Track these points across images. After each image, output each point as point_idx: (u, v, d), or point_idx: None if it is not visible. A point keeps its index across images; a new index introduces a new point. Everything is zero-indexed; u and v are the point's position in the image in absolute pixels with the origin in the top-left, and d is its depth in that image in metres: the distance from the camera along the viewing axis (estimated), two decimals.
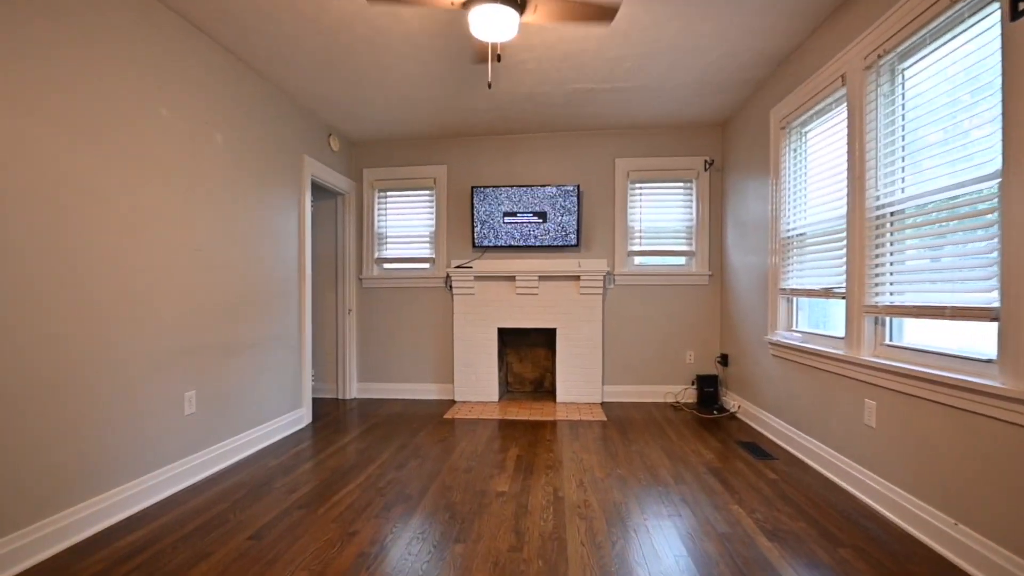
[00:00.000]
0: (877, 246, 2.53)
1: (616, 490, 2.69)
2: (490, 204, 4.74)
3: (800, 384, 3.20)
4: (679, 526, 2.27)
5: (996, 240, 1.85)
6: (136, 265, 2.49)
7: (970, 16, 1.99)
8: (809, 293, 3.12)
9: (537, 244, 4.73)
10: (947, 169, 2.12)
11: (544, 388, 5.24)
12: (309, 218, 4.07)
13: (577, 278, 4.71)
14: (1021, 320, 1.71)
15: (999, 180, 1.82)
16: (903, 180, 2.41)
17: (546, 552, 2.05)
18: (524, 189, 4.70)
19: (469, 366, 4.83)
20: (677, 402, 4.71)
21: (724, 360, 4.56)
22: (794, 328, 3.43)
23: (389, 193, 5.09)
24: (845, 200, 2.74)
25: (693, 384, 4.76)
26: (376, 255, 5.08)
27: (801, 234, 3.30)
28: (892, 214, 2.45)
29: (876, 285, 2.53)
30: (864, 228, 2.58)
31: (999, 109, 1.82)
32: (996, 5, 1.87)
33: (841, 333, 2.84)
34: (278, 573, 1.90)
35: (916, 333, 2.46)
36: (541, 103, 4.04)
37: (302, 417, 4.01)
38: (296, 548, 2.08)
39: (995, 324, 1.83)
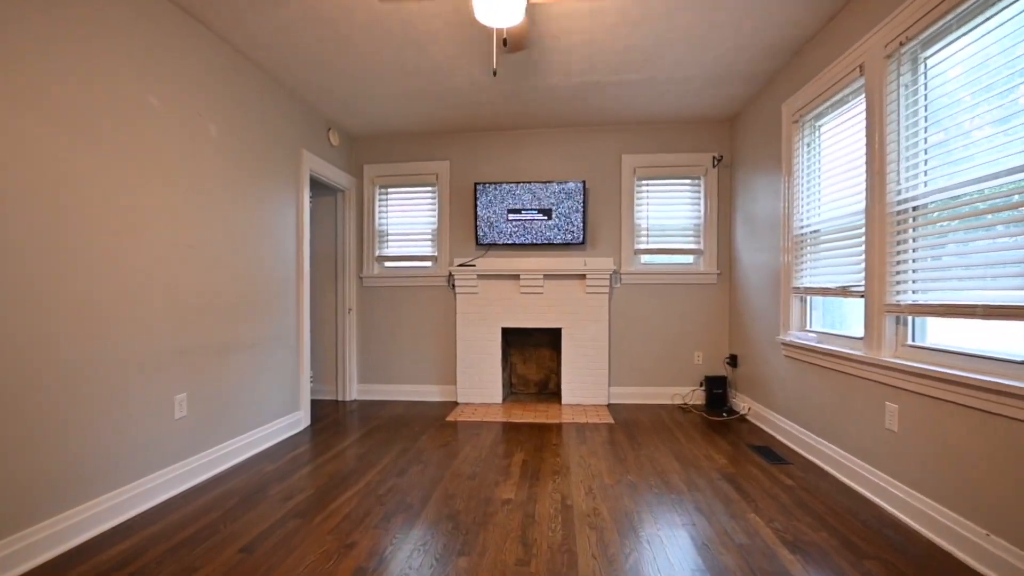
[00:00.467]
0: (899, 242, 2.42)
1: (627, 497, 2.58)
2: (494, 201, 4.63)
3: (815, 386, 3.08)
4: (695, 537, 2.16)
5: None
6: (123, 262, 2.38)
7: None
8: (824, 292, 3.01)
9: (542, 242, 4.62)
10: (978, 160, 2.01)
11: (549, 390, 5.13)
12: (307, 214, 3.97)
13: (583, 277, 4.60)
14: None
15: None
16: (926, 174, 2.30)
17: (555, 566, 1.94)
18: (529, 186, 4.59)
19: (472, 367, 4.72)
20: (685, 404, 4.60)
21: (733, 361, 4.44)
22: (808, 328, 3.31)
23: (390, 189, 4.98)
24: (864, 195, 2.63)
25: (701, 385, 4.65)
26: (377, 253, 4.97)
27: (815, 231, 3.19)
28: (915, 209, 2.34)
29: (898, 283, 2.42)
30: (885, 224, 2.47)
31: None
32: None
33: (859, 333, 2.73)
34: None
35: (939, 333, 2.35)
36: (547, 96, 3.93)
37: (300, 420, 3.90)
38: (290, 562, 1.97)
39: None
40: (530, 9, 2.73)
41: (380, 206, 4.98)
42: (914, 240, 2.34)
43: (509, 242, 4.66)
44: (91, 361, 2.21)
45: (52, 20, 2.05)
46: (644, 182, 4.68)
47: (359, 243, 4.95)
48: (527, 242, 4.64)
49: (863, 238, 2.64)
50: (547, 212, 4.59)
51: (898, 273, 2.42)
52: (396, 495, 2.63)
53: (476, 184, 4.64)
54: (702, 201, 4.63)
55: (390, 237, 4.99)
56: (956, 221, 2.11)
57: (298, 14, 2.80)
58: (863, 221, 2.64)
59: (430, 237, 4.93)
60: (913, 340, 2.39)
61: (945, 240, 2.17)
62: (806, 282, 3.26)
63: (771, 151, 3.71)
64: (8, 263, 1.89)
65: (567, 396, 4.64)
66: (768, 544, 2.09)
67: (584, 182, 4.55)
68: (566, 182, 4.55)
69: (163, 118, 2.61)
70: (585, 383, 4.63)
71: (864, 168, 2.62)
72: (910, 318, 2.39)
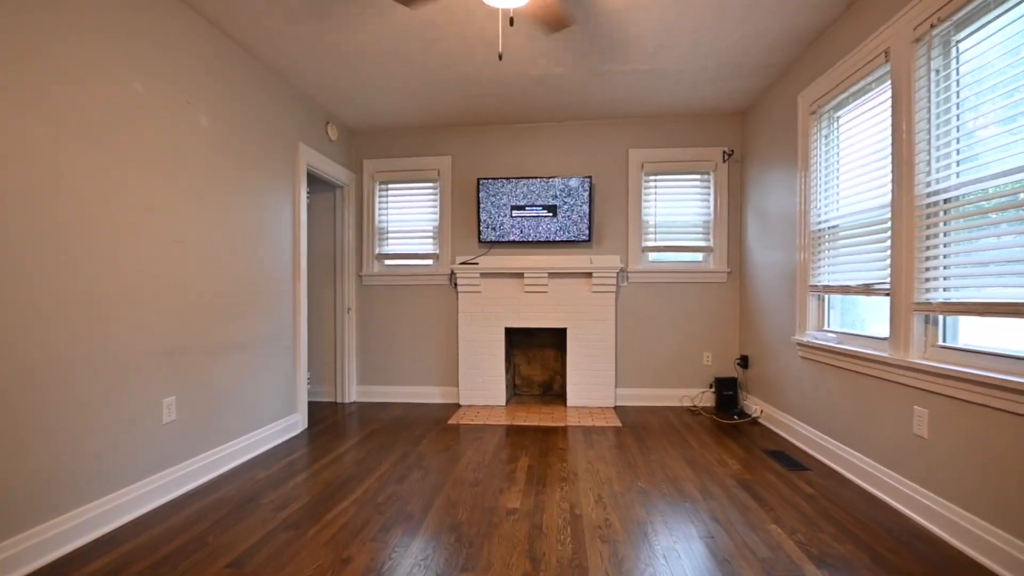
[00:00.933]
0: (928, 237, 2.28)
1: (639, 506, 2.44)
2: (497, 197, 4.50)
3: (835, 389, 2.94)
4: (714, 550, 2.02)
5: None
6: (105, 259, 2.25)
7: None
8: (845, 290, 2.87)
9: (547, 239, 4.48)
10: (1019, 148, 1.87)
11: (553, 391, 4.99)
12: (304, 210, 3.83)
13: (589, 275, 4.46)
14: None
15: None
16: (958, 164, 2.17)
17: None
18: (533, 181, 4.45)
19: (475, 368, 4.59)
20: (694, 406, 4.46)
21: (744, 362, 4.30)
22: (826, 328, 3.17)
23: (390, 185, 4.84)
24: (889, 188, 2.49)
25: (711, 387, 4.51)
26: (377, 251, 4.84)
27: (833, 227, 3.05)
28: (946, 201, 2.20)
29: (927, 280, 2.28)
30: (913, 218, 2.33)
31: None
32: None
33: (884, 333, 2.59)
34: None
35: (972, 334, 2.21)
36: (553, 87, 3.79)
37: (297, 423, 3.77)
38: None
39: None
40: None
41: (380, 202, 4.85)
42: (945, 235, 2.20)
43: (513, 239, 4.52)
44: (71, 363, 2.08)
45: None
46: (652, 177, 4.54)
47: (358, 240, 4.82)
48: (531, 239, 4.50)
49: (888, 233, 2.50)
50: (552, 209, 4.45)
51: (928, 270, 2.28)
52: (395, 504, 2.49)
53: (479, 180, 4.50)
54: (712, 197, 4.49)
55: (390, 234, 4.85)
56: (994, 214, 1.97)
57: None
58: (888, 215, 2.50)
59: (431, 234, 4.80)
60: (944, 341, 2.25)
61: (981, 234, 2.03)
62: (824, 280, 3.11)
63: (785, 144, 3.56)
64: None
65: (572, 398, 4.51)
66: (792, 559, 1.95)
67: (590, 178, 4.41)
68: (572, 178, 4.41)
69: (147, 105, 2.47)
70: (591, 385, 4.49)
71: (890, 159, 2.48)
72: (941, 317, 2.25)
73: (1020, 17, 1.88)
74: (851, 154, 2.89)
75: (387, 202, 4.85)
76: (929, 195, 2.26)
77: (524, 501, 2.51)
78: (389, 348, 4.81)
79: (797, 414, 3.39)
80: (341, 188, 4.70)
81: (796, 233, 3.38)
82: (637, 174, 4.51)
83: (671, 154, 4.48)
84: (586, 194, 4.40)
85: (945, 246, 2.20)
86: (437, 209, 4.76)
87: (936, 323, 2.27)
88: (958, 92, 2.17)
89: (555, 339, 4.92)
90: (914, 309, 2.32)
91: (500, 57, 2.30)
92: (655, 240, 4.55)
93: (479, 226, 4.54)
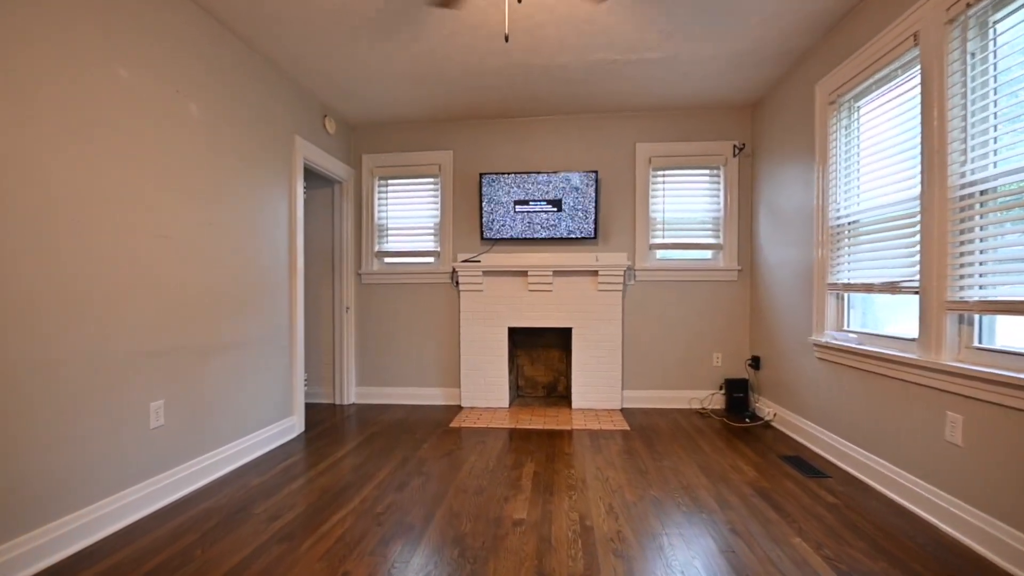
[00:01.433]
0: (963, 231, 2.14)
1: (653, 517, 2.31)
2: (500, 192, 4.36)
3: (856, 392, 2.80)
4: (736, 566, 1.88)
5: None
6: (83, 252, 2.11)
7: None
8: (868, 288, 2.73)
9: (551, 236, 4.34)
10: None
11: (558, 392, 4.85)
12: (301, 206, 3.70)
13: (595, 273, 4.32)
14: None
15: None
16: (995, 153, 2.03)
17: None
18: (537, 176, 4.32)
19: (477, 369, 4.45)
20: (704, 408, 4.32)
21: (756, 363, 4.16)
22: (845, 328, 3.03)
23: (390, 181, 4.70)
24: (918, 179, 2.35)
25: (721, 389, 4.37)
26: (376, 248, 4.70)
27: (853, 222, 2.91)
28: (982, 193, 2.06)
29: (961, 277, 2.14)
30: (945, 211, 2.19)
31: None
32: None
33: (911, 334, 2.45)
34: None
35: (1009, 335, 2.07)
36: (558, 78, 3.65)
37: (293, 426, 3.63)
38: None
39: None
40: None
41: (379, 199, 4.71)
42: (981, 228, 2.07)
43: (516, 236, 4.39)
44: (48, 365, 1.94)
45: None
46: (660, 172, 4.40)
47: (357, 238, 4.68)
48: (535, 236, 4.36)
49: (917, 228, 2.36)
50: (557, 204, 4.31)
51: (962, 266, 2.13)
52: (395, 514, 2.36)
53: (481, 175, 4.36)
54: (722, 193, 4.35)
55: (390, 231, 4.71)
56: None
57: None
58: (917, 208, 2.36)
59: (432, 231, 4.66)
60: (980, 342, 2.11)
61: (1022, 227, 1.89)
62: (844, 278, 2.97)
63: (801, 137, 3.42)
64: None
65: (578, 400, 4.37)
66: None
67: (596, 172, 4.27)
68: (577, 172, 4.27)
69: (133, 92, 2.33)
70: (597, 386, 4.35)
71: (919, 150, 2.34)
72: (977, 316, 2.11)
73: None
74: (873, 145, 2.75)
75: (387, 198, 4.71)
76: (963, 186, 2.12)
77: (531, 511, 2.37)
78: (389, 348, 4.67)
79: (814, 418, 3.25)
80: (339, 184, 4.56)
81: (813, 229, 3.24)
82: (644, 169, 4.37)
83: (679, 148, 4.34)
84: (592, 189, 4.26)
85: (981, 240, 2.06)
86: (438, 205, 4.63)
87: (971, 323, 2.13)
88: (995, 76, 2.03)
89: (559, 339, 4.78)
90: (947, 308, 2.18)
91: (506, 39, 2.15)
92: (663, 237, 4.41)
93: (481, 223, 4.40)
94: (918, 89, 2.36)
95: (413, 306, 4.63)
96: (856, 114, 2.93)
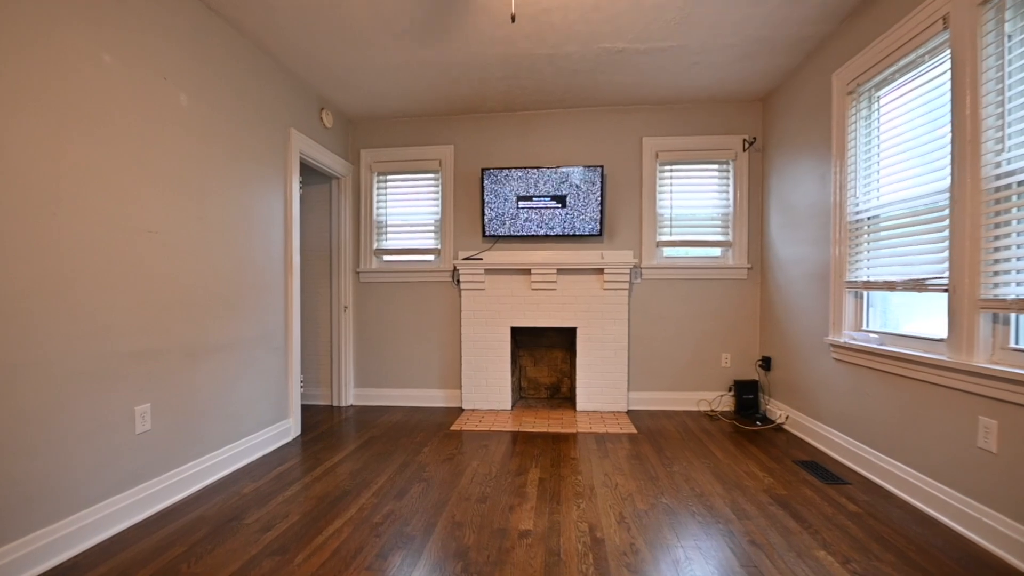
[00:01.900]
0: (998, 225, 2.01)
1: (667, 528, 2.18)
2: (502, 188, 4.23)
3: (878, 395, 2.68)
4: None
5: None
6: (60, 246, 1.98)
7: None
8: (890, 286, 2.60)
9: (555, 233, 4.21)
10: None
11: (561, 394, 4.72)
12: (297, 201, 3.57)
13: (600, 271, 4.19)
14: None
15: None
16: None
17: None
18: (541, 171, 4.19)
19: (479, 370, 4.32)
20: (712, 410, 4.19)
21: (766, 364, 4.04)
22: (864, 328, 2.91)
23: (389, 177, 4.58)
24: (947, 171, 2.22)
25: (730, 390, 4.24)
26: (375, 246, 4.57)
27: (873, 217, 2.78)
28: (1020, 184, 1.93)
29: (996, 274, 2.01)
30: (979, 203, 2.06)
31: None
32: None
33: (938, 333, 2.32)
34: None
35: None
36: (563, 68, 3.52)
37: (289, 429, 3.50)
38: None
39: None
40: None
41: (378, 195, 4.58)
42: (1020, 221, 1.94)
43: (519, 233, 4.26)
44: (22, 367, 1.81)
45: None
46: (667, 167, 4.28)
47: (356, 235, 4.55)
48: (539, 233, 4.24)
49: (946, 222, 2.23)
50: (561, 200, 4.18)
51: (997, 262, 2.01)
52: (394, 524, 2.23)
53: (483, 170, 4.23)
54: (731, 188, 4.22)
55: (389, 228, 4.58)
56: None
57: None
58: (946, 201, 2.23)
59: (433, 228, 4.53)
60: (1017, 343, 1.98)
61: None
62: (863, 276, 2.85)
63: (815, 129, 3.30)
64: None
65: (582, 402, 4.24)
66: None
67: (602, 167, 4.14)
68: (582, 167, 4.14)
69: (117, 78, 2.20)
70: (602, 388, 4.23)
71: (948, 139, 2.21)
72: (1014, 316, 1.99)
73: None
74: (895, 137, 2.62)
75: (386, 194, 4.58)
76: (999, 177, 1.99)
77: (538, 521, 2.25)
78: (388, 349, 4.54)
79: (830, 421, 3.13)
80: (337, 179, 4.43)
81: (830, 225, 3.11)
82: (652, 163, 4.24)
83: (688, 142, 4.21)
84: (597, 185, 4.14)
85: (1019, 235, 1.93)
86: (439, 201, 4.50)
87: (1007, 322, 2.00)
88: None
89: (563, 339, 4.65)
90: (980, 307, 2.05)
91: (513, 19, 2.03)
92: (670, 234, 4.28)
93: (483, 219, 4.27)
94: (947, 75, 2.23)
95: (413, 305, 4.50)
96: (876, 104, 2.80)
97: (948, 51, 2.22)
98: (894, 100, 2.65)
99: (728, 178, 4.23)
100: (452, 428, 3.76)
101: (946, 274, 2.22)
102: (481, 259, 4.24)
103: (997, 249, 2.01)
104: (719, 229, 4.25)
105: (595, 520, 2.25)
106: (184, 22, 2.57)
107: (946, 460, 2.22)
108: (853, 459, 2.86)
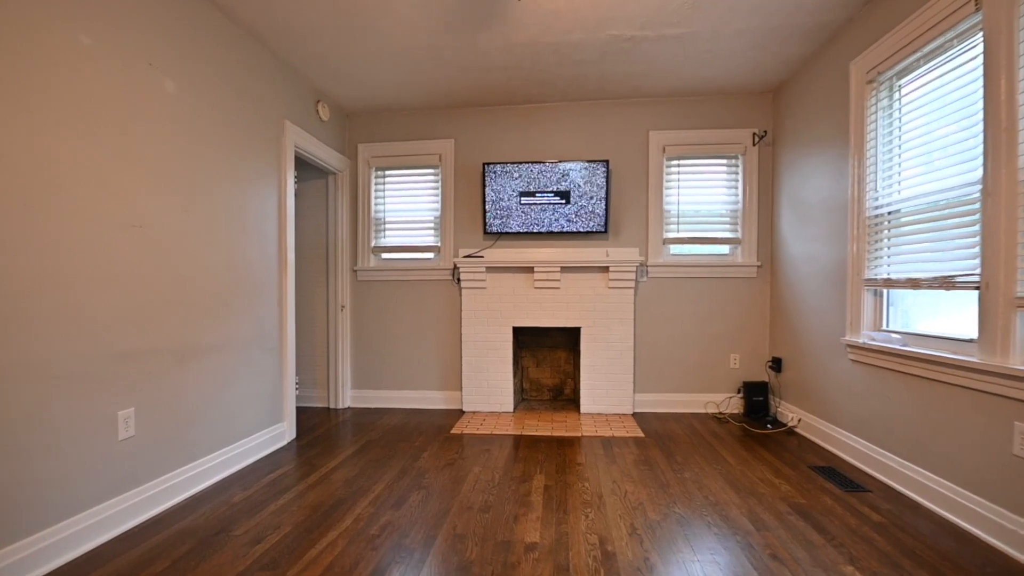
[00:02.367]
0: None
1: (681, 540, 2.05)
2: (504, 183, 4.10)
3: (899, 398, 2.55)
4: None
5: None
6: (40, 242, 1.85)
7: None
8: (914, 284, 2.47)
9: (559, 230, 4.09)
10: None
11: (564, 396, 4.59)
12: (292, 197, 3.43)
13: (605, 269, 4.06)
14: None
15: None
16: None
17: None
18: (544, 166, 4.06)
19: (480, 371, 4.19)
20: (721, 413, 4.07)
21: (777, 365, 3.91)
22: (884, 328, 2.78)
23: (388, 172, 4.44)
24: (979, 161, 2.09)
25: (739, 392, 4.11)
26: (373, 243, 4.43)
27: (894, 212, 2.66)
28: None
29: None
30: (1015, 195, 1.94)
31: None
32: None
33: (967, 334, 2.19)
34: None
35: None
36: (568, 58, 3.38)
37: (283, 433, 3.37)
38: None
39: None
40: None
41: (376, 190, 4.45)
42: None
43: (521, 230, 4.13)
44: None
45: None
46: (674, 162, 4.15)
47: (353, 232, 4.42)
48: (542, 230, 4.11)
49: (978, 216, 2.10)
50: (565, 196, 4.05)
51: None
52: (392, 536, 2.10)
53: (485, 164, 4.10)
54: (740, 184, 4.09)
55: (388, 225, 4.45)
56: None
57: None
58: (978, 193, 2.10)
59: (432, 225, 4.40)
60: None
61: None
62: (884, 273, 2.72)
63: (831, 122, 3.17)
64: None
65: (587, 404, 4.11)
66: None
67: (607, 162, 4.01)
68: (587, 161, 4.01)
69: (98, 62, 2.07)
70: (607, 389, 4.10)
71: (980, 128, 2.09)
72: None
73: None
74: (919, 127, 2.50)
75: (384, 190, 4.45)
76: None
77: (544, 532, 2.12)
78: (386, 349, 4.41)
79: (846, 425, 3.00)
80: (334, 175, 4.30)
81: (847, 221, 2.99)
82: (658, 158, 4.11)
83: (695, 136, 4.08)
84: (602, 180, 4.01)
85: None
86: (439, 197, 4.36)
87: None
88: None
89: (566, 339, 4.52)
90: (1016, 305, 1.93)
91: None
92: (678, 231, 4.15)
93: (484, 216, 4.14)
94: (979, 60, 2.11)
95: (412, 304, 4.37)
96: (898, 93, 2.67)
97: (980, 34, 2.10)
98: (918, 89, 2.52)
99: (737, 173, 4.10)
100: (452, 431, 3.63)
101: (977, 271, 2.09)
102: (482, 257, 4.11)
103: None
104: (728, 226, 4.12)
105: (605, 532, 2.13)
106: (170, 6, 2.44)
107: (978, 468, 2.09)
108: (873, 465, 2.73)
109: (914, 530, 2.12)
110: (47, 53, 1.87)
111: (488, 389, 4.19)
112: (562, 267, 4.07)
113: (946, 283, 2.27)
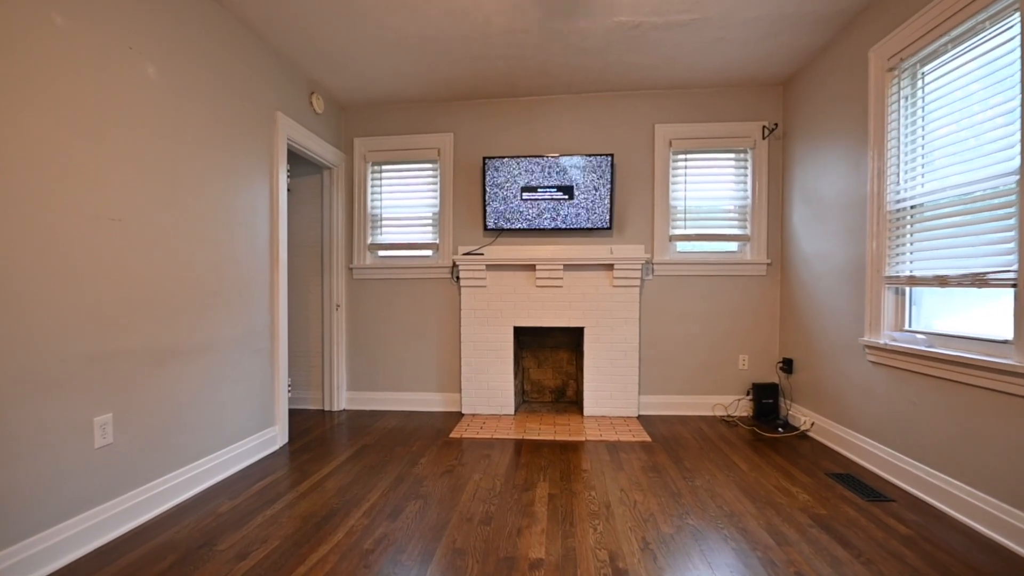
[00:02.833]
0: None
1: (697, 556, 1.91)
2: (505, 178, 3.96)
3: (925, 402, 2.41)
4: None
5: None
6: (7, 234, 1.70)
7: None
8: (942, 281, 2.33)
9: (562, 226, 3.95)
10: None
11: (567, 398, 4.45)
12: (284, 191, 3.29)
13: (610, 267, 3.92)
14: None
15: None
16: None
17: None
18: (546, 160, 3.92)
19: (479, 373, 4.05)
20: (729, 416, 3.93)
21: (787, 366, 3.77)
22: (907, 328, 2.65)
23: (385, 167, 4.30)
24: (1017, 150, 1.96)
25: (748, 394, 3.98)
26: (369, 240, 4.29)
27: (917, 206, 2.52)
28: None
29: None
30: None
31: None
32: None
33: (1002, 335, 2.06)
34: None
35: None
36: (572, 46, 3.24)
37: (275, 438, 3.23)
38: None
39: None
40: None
41: (373, 186, 4.30)
42: None
43: (523, 227, 3.99)
44: None
45: None
46: (681, 156, 4.01)
47: (349, 229, 4.27)
48: (544, 227, 3.97)
49: (1015, 208, 1.97)
50: (568, 191, 3.91)
51: None
52: (387, 551, 1.96)
53: (485, 159, 3.96)
54: (749, 178, 3.95)
55: (384, 222, 4.30)
56: None
57: None
58: (1015, 184, 1.97)
59: (431, 222, 4.25)
60: None
61: None
62: (907, 270, 2.58)
63: (848, 112, 3.03)
64: None
65: (590, 407, 3.97)
66: None
67: (612, 156, 3.87)
68: (591, 155, 3.87)
69: (72, 42, 1.93)
70: (611, 391, 3.96)
71: (1017, 115, 1.95)
72: None
73: None
74: (946, 116, 2.36)
75: (381, 185, 4.30)
76: None
77: (550, 547, 1.98)
78: (383, 349, 4.27)
79: (864, 429, 2.86)
80: (329, 169, 4.16)
81: (865, 217, 2.85)
82: (664, 152, 3.97)
83: (703, 130, 3.94)
84: (607, 175, 3.87)
85: None
86: (437, 193, 4.22)
87: None
88: None
89: (569, 339, 4.38)
90: None
91: None
92: (684, 228, 4.01)
93: (485, 212, 4.00)
94: (1016, 42, 1.97)
95: (409, 303, 4.23)
96: (921, 81, 2.54)
97: (1016, 14, 1.96)
98: (944, 76, 2.38)
99: (746, 168, 3.96)
100: (451, 435, 3.49)
101: (1014, 267, 1.96)
102: (482, 254, 3.97)
103: None
104: (736, 222, 3.98)
105: (615, 546, 1.99)
106: None
107: (1015, 478, 1.96)
108: (894, 472, 2.59)
109: (945, 544, 1.98)
110: (14, 33, 1.72)
111: (488, 391, 4.05)
112: (565, 265, 3.93)
113: (978, 280, 2.13)
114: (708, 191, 4.01)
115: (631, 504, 2.38)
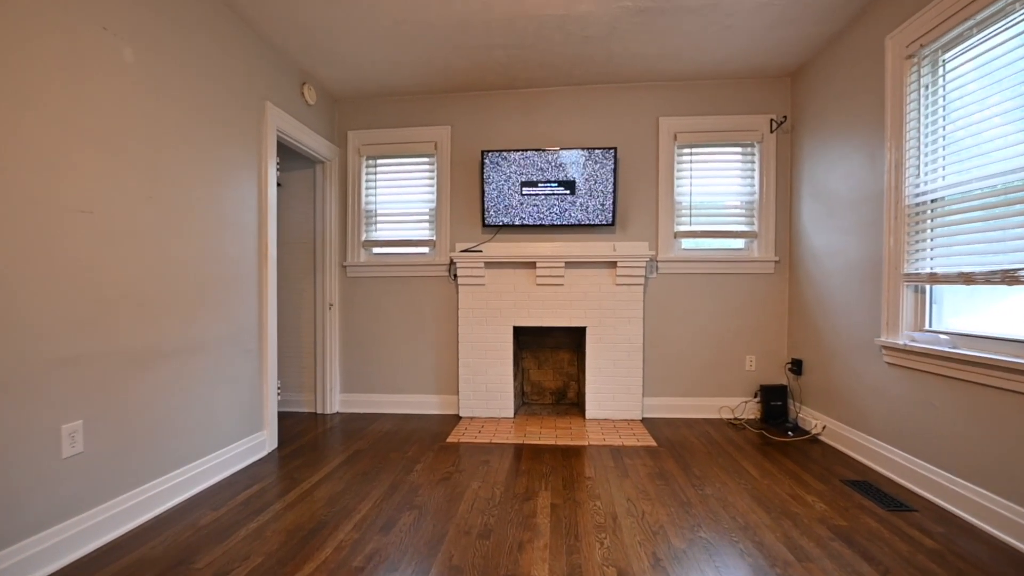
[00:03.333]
0: None
1: (712, 574, 1.78)
2: (504, 173, 3.82)
3: (948, 407, 2.29)
4: None
5: None
6: None
7: None
8: (967, 279, 2.20)
9: (563, 223, 3.81)
10: None
11: (568, 400, 4.32)
12: (274, 185, 3.15)
13: (613, 265, 3.79)
14: None
15: None
16: None
17: None
18: (547, 154, 3.78)
19: (478, 374, 3.91)
20: (736, 419, 3.80)
21: (797, 367, 3.64)
22: (928, 328, 2.52)
23: (380, 161, 4.15)
24: None
25: (755, 396, 3.85)
26: (364, 237, 4.15)
27: (937, 199, 2.40)
28: None
29: None
30: None
31: None
32: None
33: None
34: None
35: None
36: (574, 34, 3.11)
37: (263, 443, 3.08)
38: None
39: None
40: None
41: (367, 181, 4.16)
42: None
43: (523, 223, 3.85)
44: None
45: None
46: (686, 150, 3.88)
47: (342, 225, 4.13)
48: (545, 223, 3.83)
49: None
50: (569, 186, 3.78)
51: None
52: (378, 568, 1.82)
53: (483, 153, 3.82)
54: (756, 173, 3.82)
55: (379, 218, 4.16)
56: None
57: None
58: None
59: (427, 218, 4.11)
60: None
61: None
62: (927, 267, 2.46)
63: (862, 103, 2.90)
64: None
65: (592, 409, 3.84)
66: None
67: (615, 150, 3.74)
68: (593, 149, 3.74)
69: (36, 20, 1.78)
70: (614, 393, 3.83)
71: None
72: None
73: None
74: (969, 104, 2.24)
75: (376, 180, 4.16)
76: None
77: (554, 564, 1.84)
78: (378, 350, 4.13)
79: (880, 434, 2.74)
80: (321, 164, 4.01)
81: (882, 211, 2.72)
82: (669, 146, 3.84)
83: (708, 123, 3.81)
84: (609, 169, 3.73)
85: None
86: (434, 188, 4.08)
87: None
88: None
89: (571, 339, 4.25)
90: None
91: None
92: (689, 224, 3.88)
93: (483, 207, 3.86)
94: None
95: (405, 302, 4.09)
96: (943, 69, 2.41)
97: None
98: (967, 63, 2.25)
99: (753, 162, 3.83)
100: (448, 440, 3.35)
101: None
102: (481, 251, 3.83)
103: None
104: (743, 218, 3.85)
105: (624, 563, 1.85)
106: None
107: None
108: (915, 480, 2.47)
109: (976, 559, 1.86)
110: None
111: (487, 393, 3.92)
112: (566, 262, 3.80)
113: (1008, 277, 2.00)
114: (714, 186, 3.88)
115: (639, 515, 2.24)
